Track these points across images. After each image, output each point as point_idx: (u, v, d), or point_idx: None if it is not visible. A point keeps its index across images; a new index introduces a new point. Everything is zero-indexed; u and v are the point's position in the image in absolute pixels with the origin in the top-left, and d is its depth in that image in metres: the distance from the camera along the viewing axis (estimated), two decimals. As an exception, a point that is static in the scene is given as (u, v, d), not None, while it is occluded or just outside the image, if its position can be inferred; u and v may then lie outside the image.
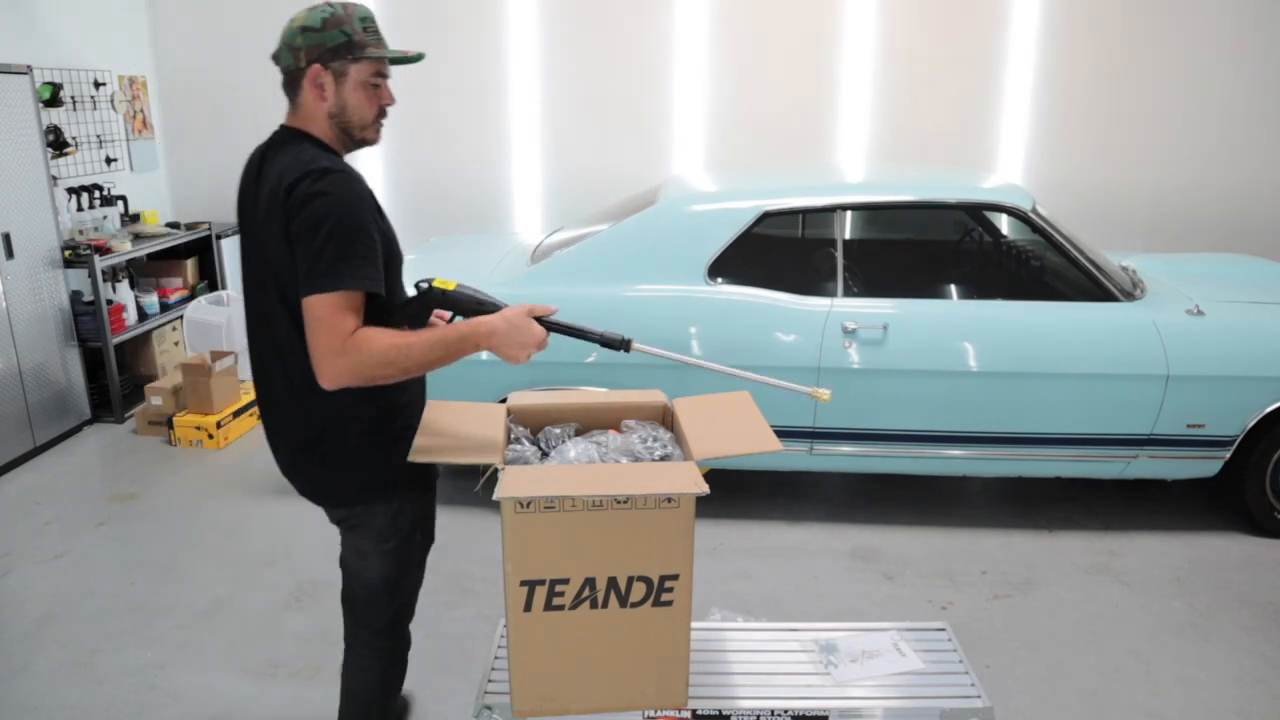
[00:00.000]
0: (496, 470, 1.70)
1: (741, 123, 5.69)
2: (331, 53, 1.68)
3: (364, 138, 1.78)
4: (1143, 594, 3.21)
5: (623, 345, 1.81)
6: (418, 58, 1.76)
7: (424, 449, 1.76)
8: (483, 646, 2.85)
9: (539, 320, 1.75)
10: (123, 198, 5.37)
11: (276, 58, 1.74)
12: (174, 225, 5.49)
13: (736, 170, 4.34)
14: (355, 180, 1.70)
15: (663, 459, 1.84)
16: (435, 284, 1.79)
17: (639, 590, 1.69)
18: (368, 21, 1.71)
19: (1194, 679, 2.75)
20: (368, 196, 1.71)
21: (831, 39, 5.54)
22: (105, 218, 5.04)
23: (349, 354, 1.61)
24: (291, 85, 1.74)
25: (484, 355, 3.51)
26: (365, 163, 5.98)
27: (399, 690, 2.16)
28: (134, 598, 3.17)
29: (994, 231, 4.13)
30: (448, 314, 1.90)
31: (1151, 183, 5.62)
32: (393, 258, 1.79)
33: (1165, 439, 3.41)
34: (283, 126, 1.79)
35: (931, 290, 3.73)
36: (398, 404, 1.84)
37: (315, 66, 1.69)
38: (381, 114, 1.78)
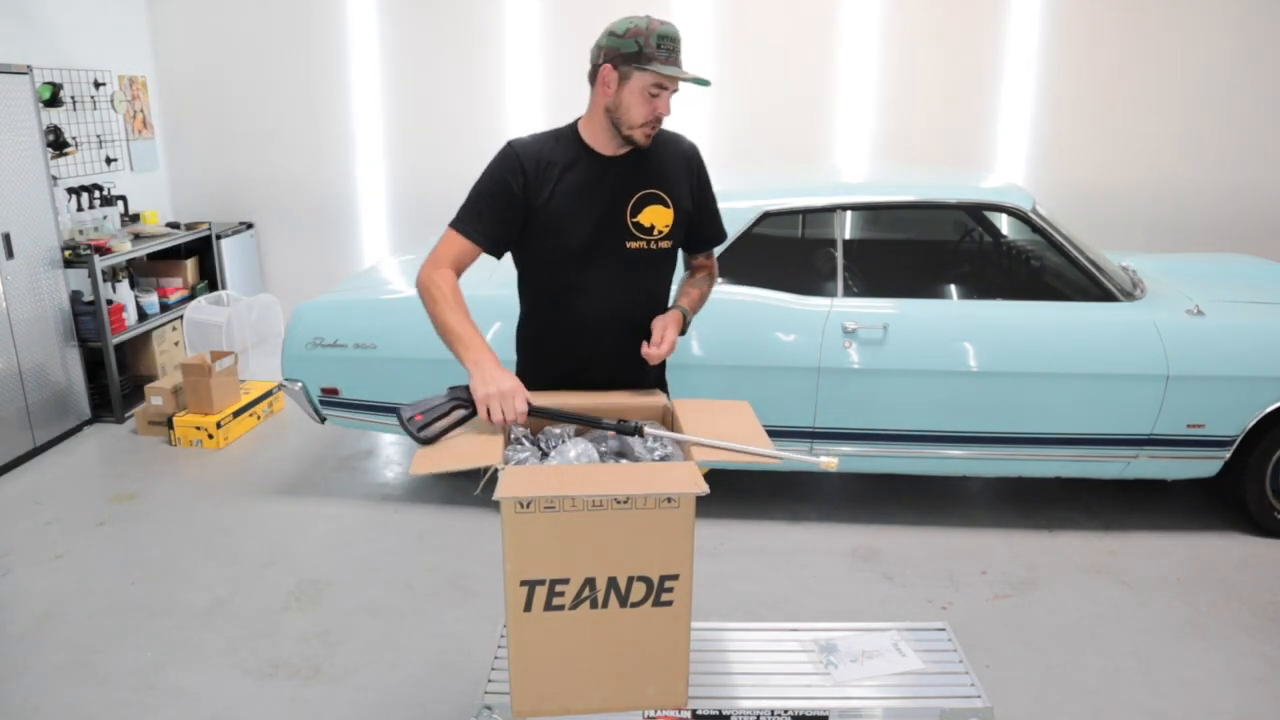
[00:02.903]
0: (496, 470, 1.71)
1: (741, 123, 5.69)
2: (623, 58, 1.91)
3: (630, 135, 1.98)
4: (1143, 594, 3.21)
5: (636, 431, 1.87)
6: (700, 81, 1.92)
7: (424, 461, 1.75)
8: (483, 646, 2.85)
9: (536, 409, 1.86)
10: (123, 198, 5.37)
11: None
12: (174, 225, 5.49)
13: (736, 170, 4.34)
14: (510, 151, 2.03)
15: (663, 459, 1.84)
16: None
17: (639, 590, 1.68)
18: (666, 40, 1.91)
19: (1194, 679, 2.75)
20: (511, 167, 2.01)
21: (832, 39, 5.54)
22: (105, 218, 5.04)
23: (423, 271, 2.05)
24: (591, 78, 2.01)
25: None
26: (367, 162, 5.99)
27: None
28: (134, 598, 3.17)
29: (994, 231, 4.13)
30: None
31: (1151, 183, 5.62)
32: (539, 225, 2.03)
33: (1165, 439, 3.41)
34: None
35: (931, 290, 3.73)
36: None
37: (607, 66, 1.94)
38: (654, 121, 1.98)
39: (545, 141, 2.05)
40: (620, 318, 2.09)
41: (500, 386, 1.80)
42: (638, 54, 1.89)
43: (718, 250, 2.34)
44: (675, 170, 2.11)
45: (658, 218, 2.07)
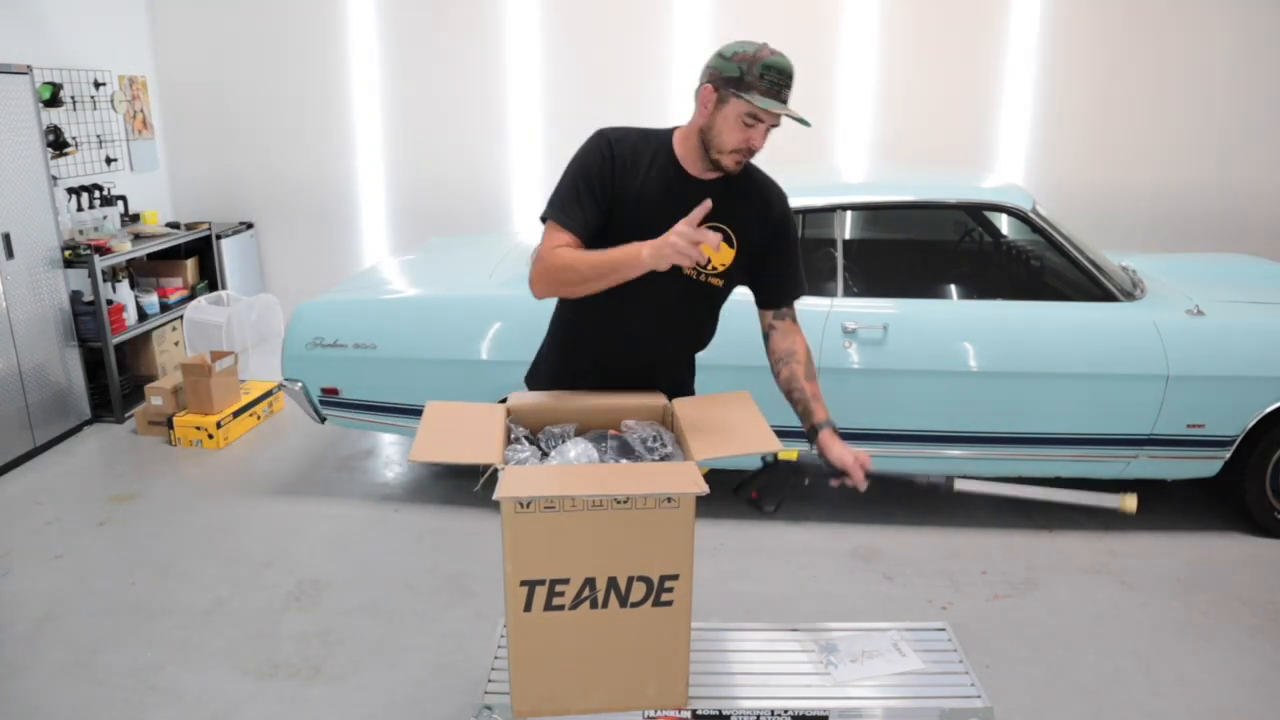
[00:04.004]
0: (496, 470, 1.71)
1: (741, 123, 5.69)
2: (724, 81, 1.86)
3: (717, 160, 1.93)
4: (1143, 594, 3.21)
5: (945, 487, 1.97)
6: (800, 121, 1.86)
7: (424, 449, 1.76)
8: (483, 646, 2.85)
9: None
10: (123, 198, 5.37)
11: None
12: (174, 225, 5.49)
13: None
14: (603, 139, 1.95)
15: (663, 459, 1.84)
16: (780, 456, 2.00)
17: (639, 590, 1.69)
18: (771, 72, 1.84)
19: (1194, 679, 2.75)
20: (603, 154, 1.93)
21: (831, 39, 5.54)
22: (105, 218, 5.04)
23: (535, 269, 1.93)
24: (696, 95, 1.95)
25: (484, 356, 3.53)
26: (367, 162, 5.98)
27: None
28: (134, 598, 3.17)
29: (994, 231, 4.13)
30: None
31: (1151, 183, 5.62)
32: (626, 216, 1.94)
33: (1165, 439, 3.41)
34: None
35: (931, 290, 3.73)
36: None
37: (708, 86, 1.90)
38: (744, 151, 1.91)
39: (638, 139, 1.99)
40: (653, 337, 2.06)
41: (663, 244, 1.76)
42: (738, 80, 1.84)
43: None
44: (751, 212, 2.04)
45: (716, 253, 2.01)
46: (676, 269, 1.93)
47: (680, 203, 1.91)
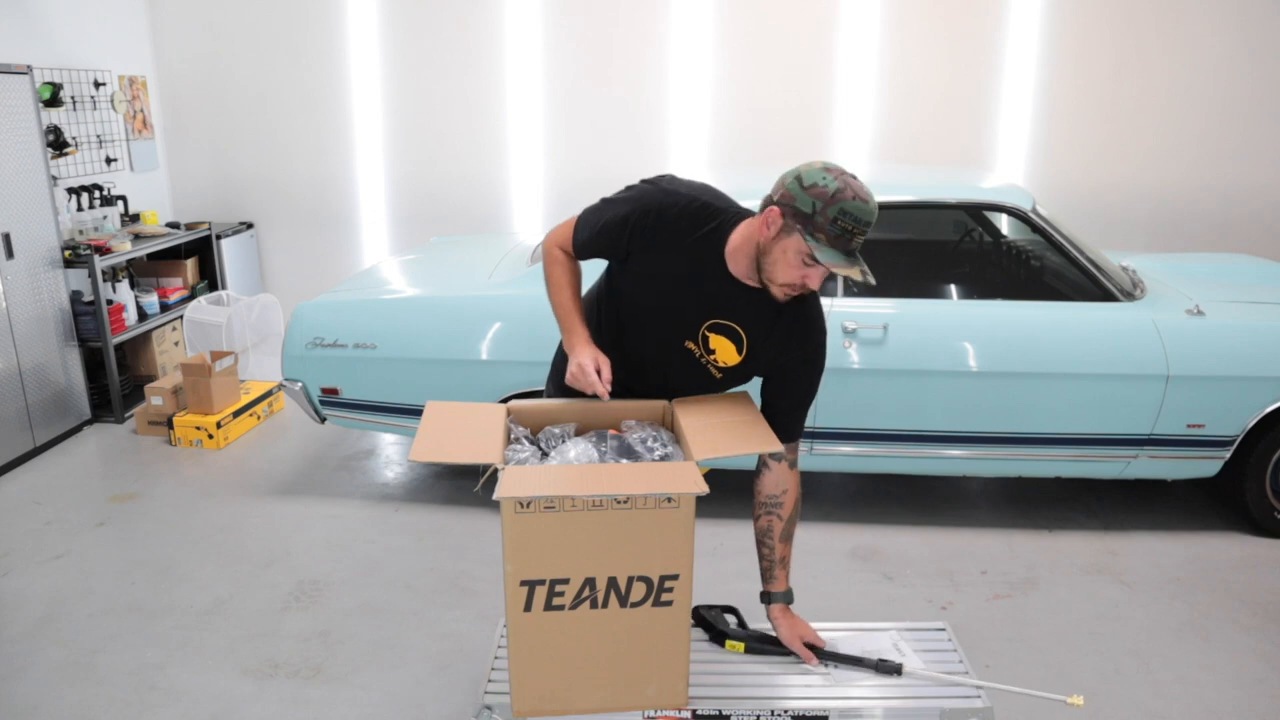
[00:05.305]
0: (496, 470, 1.71)
1: (741, 122, 5.69)
2: (793, 212, 1.72)
3: (767, 283, 1.84)
4: (1143, 594, 3.21)
5: (895, 670, 1.94)
6: (865, 282, 1.73)
7: (425, 449, 1.76)
8: (483, 646, 2.85)
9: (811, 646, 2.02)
10: (123, 198, 5.37)
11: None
12: (174, 225, 5.49)
13: (735, 170, 4.34)
14: (650, 199, 1.92)
15: (663, 459, 1.84)
16: (728, 646, 2.07)
17: (639, 590, 1.69)
18: (846, 219, 1.68)
19: (1194, 679, 2.75)
20: (642, 213, 1.91)
21: (831, 39, 5.54)
22: (105, 218, 5.04)
23: (545, 242, 2.09)
24: (764, 204, 1.81)
25: (484, 355, 3.53)
26: (367, 162, 5.98)
27: None
28: (134, 598, 3.17)
29: (994, 231, 4.13)
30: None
31: (1151, 183, 5.62)
32: (646, 271, 1.96)
33: (1165, 439, 3.41)
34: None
35: (931, 290, 3.73)
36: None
37: (777, 209, 1.75)
38: (797, 288, 1.81)
39: (695, 212, 1.90)
40: (652, 390, 2.06)
41: (574, 360, 1.93)
42: (808, 217, 1.70)
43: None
44: (774, 330, 1.94)
45: (723, 350, 1.97)
46: (682, 341, 1.98)
47: (707, 292, 1.92)
